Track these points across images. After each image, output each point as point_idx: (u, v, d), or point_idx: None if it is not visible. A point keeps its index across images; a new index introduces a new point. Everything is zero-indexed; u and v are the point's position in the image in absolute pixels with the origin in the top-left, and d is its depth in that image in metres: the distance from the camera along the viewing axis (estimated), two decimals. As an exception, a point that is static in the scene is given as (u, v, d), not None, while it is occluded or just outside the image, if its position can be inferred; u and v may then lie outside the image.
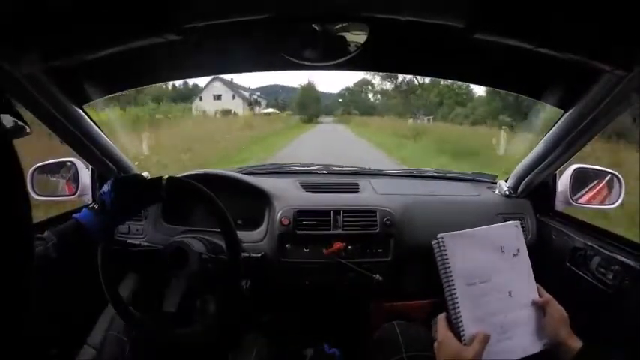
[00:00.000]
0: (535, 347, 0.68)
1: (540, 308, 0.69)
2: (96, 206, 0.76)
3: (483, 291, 0.67)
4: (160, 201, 0.93)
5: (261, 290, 1.09)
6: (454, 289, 0.66)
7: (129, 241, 0.99)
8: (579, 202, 1.18)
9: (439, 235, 0.68)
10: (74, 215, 0.76)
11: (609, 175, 1.18)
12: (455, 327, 0.66)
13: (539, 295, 0.70)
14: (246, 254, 1.04)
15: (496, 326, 0.67)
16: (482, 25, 0.61)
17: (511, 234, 0.73)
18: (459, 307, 0.66)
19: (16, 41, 0.59)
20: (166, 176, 0.80)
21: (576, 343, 0.64)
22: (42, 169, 1.21)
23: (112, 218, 0.78)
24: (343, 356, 1.29)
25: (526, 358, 0.67)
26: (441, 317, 0.67)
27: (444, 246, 0.67)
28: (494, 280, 0.68)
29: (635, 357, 0.74)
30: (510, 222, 0.75)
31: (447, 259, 0.67)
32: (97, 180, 1.22)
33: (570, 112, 0.89)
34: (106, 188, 0.78)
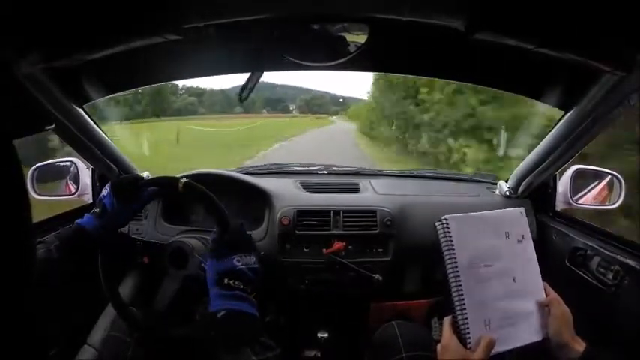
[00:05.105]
0: (537, 336, 0.66)
1: (545, 306, 0.68)
2: (97, 210, 0.76)
3: (487, 274, 0.66)
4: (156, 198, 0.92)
5: (261, 290, 1.09)
6: (457, 272, 0.64)
7: None
8: (579, 202, 1.18)
9: (443, 217, 0.66)
10: (77, 221, 0.76)
11: (609, 176, 1.18)
12: (459, 326, 0.63)
13: (546, 293, 0.69)
14: None
15: (499, 311, 0.65)
16: (482, 26, 0.61)
17: (516, 220, 0.71)
18: (462, 291, 0.63)
19: (16, 41, 0.59)
20: (184, 179, 0.77)
21: (579, 346, 0.62)
22: (42, 169, 1.21)
23: (114, 221, 0.78)
24: (343, 356, 1.28)
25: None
26: (447, 320, 0.66)
27: (447, 228, 0.65)
28: (498, 265, 0.67)
29: (635, 357, 0.74)
30: (515, 208, 0.73)
31: (451, 241, 0.65)
32: (98, 180, 1.22)
33: (571, 112, 0.89)
34: (105, 192, 0.78)
